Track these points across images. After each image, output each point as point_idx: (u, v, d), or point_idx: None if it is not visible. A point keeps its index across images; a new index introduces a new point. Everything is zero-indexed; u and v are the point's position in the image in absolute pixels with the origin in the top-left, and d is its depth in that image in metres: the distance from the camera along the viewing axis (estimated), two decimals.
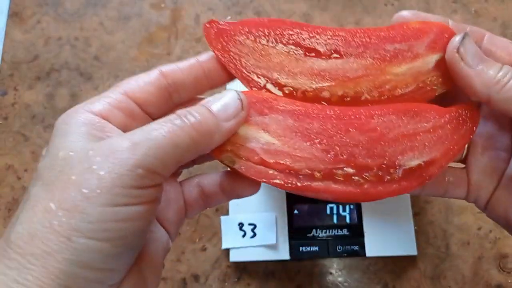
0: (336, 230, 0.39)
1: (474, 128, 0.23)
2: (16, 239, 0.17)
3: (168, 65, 0.23)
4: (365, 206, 0.40)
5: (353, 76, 0.23)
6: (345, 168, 0.21)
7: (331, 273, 0.41)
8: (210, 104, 0.21)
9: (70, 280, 0.17)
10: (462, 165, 0.26)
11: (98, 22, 0.49)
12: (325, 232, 0.39)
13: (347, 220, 0.39)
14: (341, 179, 0.21)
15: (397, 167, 0.22)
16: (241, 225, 0.39)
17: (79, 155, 0.18)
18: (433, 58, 0.23)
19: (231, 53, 0.23)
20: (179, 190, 0.24)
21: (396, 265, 0.41)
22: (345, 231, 0.39)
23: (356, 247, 0.39)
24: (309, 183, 0.21)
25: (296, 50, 0.23)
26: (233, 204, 0.40)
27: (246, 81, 0.23)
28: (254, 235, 0.39)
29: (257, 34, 0.23)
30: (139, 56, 0.48)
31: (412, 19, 0.23)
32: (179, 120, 0.19)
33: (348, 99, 0.23)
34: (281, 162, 0.21)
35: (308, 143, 0.21)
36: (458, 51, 0.21)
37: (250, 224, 0.39)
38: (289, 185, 0.21)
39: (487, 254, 0.41)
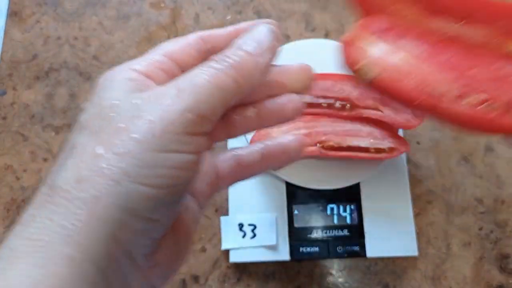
0: (336, 231, 0.39)
1: None
2: (63, 184, 0.17)
3: (206, 31, 0.23)
4: (365, 207, 0.40)
5: (472, 43, 0.23)
6: (477, 95, 0.21)
7: (331, 274, 0.41)
8: (245, 45, 0.20)
9: (117, 228, 0.16)
10: None
11: (97, 22, 0.49)
12: (326, 233, 0.39)
13: (348, 220, 0.39)
14: (473, 103, 0.22)
15: None
16: (241, 226, 0.39)
17: (126, 104, 0.18)
18: None
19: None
20: (212, 162, 0.23)
21: (397, 265, 0.41)
22: (345, 232, 0.39)
23: (356, 248, 0.39)
24: (443, 101, 0.22)
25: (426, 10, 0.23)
26: (233, 204, 0.40)
27: None
28: (254, 235, 0.39)
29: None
30: (138, 56, 0.47)
31: None
32: (219, 64, 0.19)
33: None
34: (415, 79, 0.22)
35: (439, 68, 0.22)
36: None
37: (250, 225, 0.39)
38: (425, 101, 0.22)
39: (488, 254, 0.41)
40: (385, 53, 0.22)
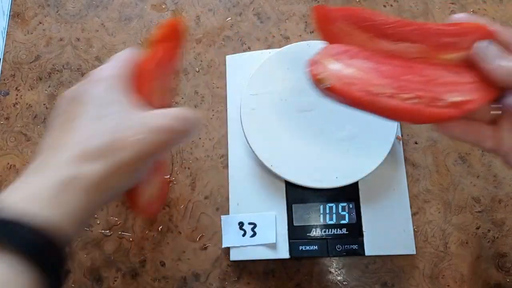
0: (335, 229, 0.39)
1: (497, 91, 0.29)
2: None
3: None
4: (364, 206, 0.40)
5: (410, 57, 0.31)
6: (405, 94, 0.29)
7: (330, 272, 0.41)
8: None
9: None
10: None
11: (99, 23, 0.49)
12: (325, 231, 0.39)
13: (346, 219, 0.40)
14: (402, 99, 0.29)
15: (443, 99, 0.29)
16: (241, 224, 0.40)
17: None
18: None
19: (334, 32, 0.32)
20: None
21: (395, 264, 0.41)
22: (344, 230, 0.39)
23: (355, 246, 0.39)
24: (378, 97, 0.29)
25: (372, 36, 0.32)
26: (233, 203, 0.41)
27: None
28: (254, 234, 0.39)
29: (351, 22, 0.32)
30: None
31: (465, 19, 0.30)
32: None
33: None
34: (360, 85, 0.29)
35: (380, 77, 0.30)
36: (479, 52, 0.28)
37: (250, 223, 0.40)
38: (364, 98, 0.29)
39: (485, 253, 0.41)
40: (339, 69, 0.30)
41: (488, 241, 0.42)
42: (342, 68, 0.30)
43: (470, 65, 0.30)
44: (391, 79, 0.30)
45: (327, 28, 0.32)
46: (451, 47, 0.30)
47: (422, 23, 0.31)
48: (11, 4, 0.50)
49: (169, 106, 0.30)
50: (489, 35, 0.29)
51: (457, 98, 0.29)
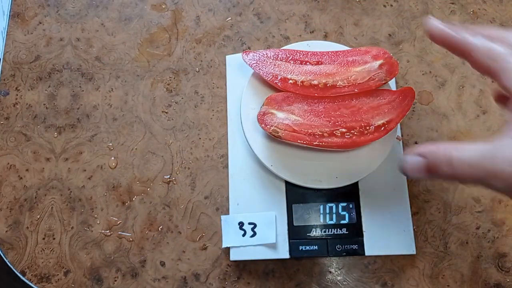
0: (335, 229, 0.39)
1: (411, 102, 0.38)
2: None
3: None
4: (364, 206, 0.40)
5: (330, 72, 0.40)
6: (340, 129, 0.38)
7: (330, 272, 0.41)
8: None
9: None
10: None
11: (99, 23, 0.49)
12: (324, 231, 0.39)
13: (346, 219, 0.40)
14: (339, 135, 0.37)
15: (371, 125, 0.38)
16: (241, 224, 0.40)
17: None
18: (376, 63, 0.40)
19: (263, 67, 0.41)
20: None
21: (395, 264, 0.41)
22: (344, 230, 0.39)
23: (355, 246, 0.39)
24: (321, 138, 0.37)
25: (295, 63, 0.41)
26: (233, 203, 0.41)
27: (272, 77, 0.40)
28: (254, 234, 0.39)
29: (275, 57, 0.41)
30: (140, 57, 0.48)
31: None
32: None
33: (329, 85, 0.39)
34: (304, 129, 0.37)
35: (317, 118, 0.38)
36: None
37: (250, 223, 0.40)
38: (311, 141, 0.37)
39: (485, 253, 0.41)
40: (283, 118, 0.38)
41: (488, 241, 0.42)
42: (285, 117, 0.38)
43: (383, 89, 0.39)
44: (326, 118, 0.38)
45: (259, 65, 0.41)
46: (357, 63, 0.40)
47: (331, 52, 0.41)
48: (11, 4, 0.50)
49: None
50: (384, 54, 0.40)
51: (380, 121, 0.38)
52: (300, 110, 0.38)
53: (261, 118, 0.38)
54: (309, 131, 0.37)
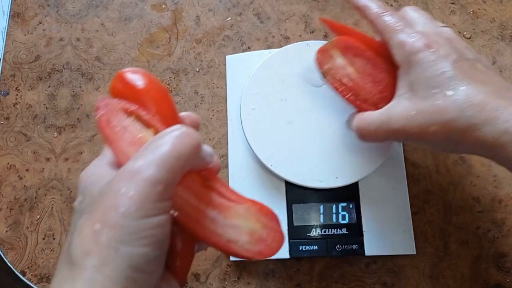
0: (335, 229, 0.39)
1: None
2: (76, 259, 0.21)
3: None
4: (364, 206, 0.40)
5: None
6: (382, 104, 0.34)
7: (330, 272, 0.41)
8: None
9: (125, 283, 0.20)
10: None
11: (99, 23, 0.49)
12: (324, 231, 0.39)
13: (346, 219, 0.40)
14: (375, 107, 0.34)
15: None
16: None
17: (108, 187, 0.22)
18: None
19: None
20: None
21: (395, 264, 0.41)
22: (344, 230, 0.39)
23: (355, 246, 0.39)
24: (362, 104, 0.35)
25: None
26: None
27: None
28: None
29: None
30: (140, 57, 0.48)
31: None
32: (177, 131, 0.23)
33: None
34: (352, 84, 0.35)
35: (371, 84, 0.35)
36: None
37: None
38: (352, 101, 0.35)
39: (485, 253, 0.41)
40: (341, 65, 0.35)
41: (488, 241, 0.42)
42: (345, 65, 0.35)
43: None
44: (384, 88, 0.35)
45: (337, 27, 0.37)
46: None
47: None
48: (11, 4, 0.50)
49: None
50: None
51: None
52: (361, 67, 0.35)
53: (321, 54, 0.36)
54: (355, 92, 0.35)
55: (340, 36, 0.36)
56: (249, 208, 0.26)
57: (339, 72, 0.35)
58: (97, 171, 0.25)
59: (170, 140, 0.23)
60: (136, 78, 0.27)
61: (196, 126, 0.29)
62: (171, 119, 0.26)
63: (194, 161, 0.24)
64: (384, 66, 0.35)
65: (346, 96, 0.35)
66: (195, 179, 0.25)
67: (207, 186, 0.26)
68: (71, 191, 0.44)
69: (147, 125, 0.26)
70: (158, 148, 0.22)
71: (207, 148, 0.26)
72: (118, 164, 0.25)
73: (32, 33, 0.49)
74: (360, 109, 0.35)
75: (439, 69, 0.29)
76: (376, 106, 0.34)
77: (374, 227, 0.40)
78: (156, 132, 0.25)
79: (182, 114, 0.28)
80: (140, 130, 0.26)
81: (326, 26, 0.38)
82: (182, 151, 0.23)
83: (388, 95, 0.34)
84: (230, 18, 0.49)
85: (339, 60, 0.36)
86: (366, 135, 0.34)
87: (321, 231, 0.39)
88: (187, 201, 0.24)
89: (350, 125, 0.35)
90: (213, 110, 0.46)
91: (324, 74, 0.36)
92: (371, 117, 0.33)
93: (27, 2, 0.50)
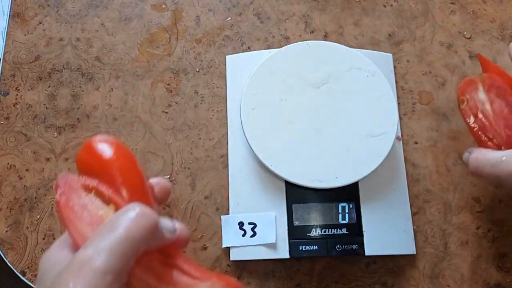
0: (335, 229, 0.39)
1: None
2: None
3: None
4: (364, 206, 0.40)
5: None
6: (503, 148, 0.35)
7: (330, 272, 0.41)
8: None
9: None
10: None
11: (99, 23, 0.49)
12: (324, 231, 0.39)
13: (346, 219, 0.40)
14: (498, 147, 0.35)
15: None
16: (241, 224, 0.40)
17: (58, 279, 0.21)
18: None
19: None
20: None
21: (395, 264, 0.41)
22: (344, 230, 0.39)
23: (355, 246, 0.39)
24: (487, 141, 0.35)
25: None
26: (233, 203, 0.41)
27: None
28: (254, 234, 0.39)
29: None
30: (140, 57, 0.48)
31: None
32: (132, 212, 0.22)
33: None
34: (482, 123, 0.36)
35: (503, 125, 0.35)
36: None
37: (250, 223, 0.40)
38: (477, 136, 0.36)
39: (485, 253, 0.41)
40: (481, 100, 0.36)
41: (488, 241, 0.42)
42: (484, 100, 0.36)
43: None
44: (508, 131, 0.35)
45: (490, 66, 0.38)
46: None
47: None
48: (11, 4, 0.50)
49: None
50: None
51: None
52: (499, 107, 0.36)
53: (465, 83, 0.37)
54: (485, 132, 0.36)
55: (490, 74, 0.37)
56: (214, 285, 0.24)
57: (476, 105, 0.36)
58: (55, 255, 0.24)
59: (124, 223, 0.21)
60: (103, 148, 0.26)
61: (166, 193, 0.27)
62: (138, 190, 0.25)
63: (150, 241, 0.23)
64: None
65: (474, 129, 0.36)
66: (154, 258, 0.24)
67: (168, 264, 0.24)
68: None
69: (107, 201, 0.25)
70: (110, 232, 0.21)
71: (167, 224, 0.24)
72: (75, 247, 0.23)
73: (32, 33, 0.49)
74: (481, 144, 0.36)
75: None
76: (500, 147, 0.35)
77: (374, 227, 0.40)
78: (117, 208, 0.24)
79: (153, 180, 0.27)
80: (100, 207, 0.24)
81: (480, 62, 0.39)
82: (137, 234, 0.21)
83: None
84: (230, 18, 0.49)
85: (481, 95, 0.36)
86: (480, 169, 0.34)
87: (321, 231, 0.39)
88: (146, 282, 0.23)
89: (467, 157, 0.36)
90: (213, 110, 0.46)
91: (461, 102, 0.37)
92: (492, 153, 0.34)
93: (27, 2, 0.50)
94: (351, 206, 0.40)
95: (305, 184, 0.38)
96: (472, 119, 0.36)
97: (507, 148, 0.35)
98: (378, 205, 0.40)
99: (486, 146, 0.36)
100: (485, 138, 0.36)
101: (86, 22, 0.49)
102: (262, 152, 0.39)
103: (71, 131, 0.45)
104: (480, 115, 0.36)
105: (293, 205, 0.40)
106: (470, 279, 0.41)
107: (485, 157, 0.34)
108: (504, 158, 0.33)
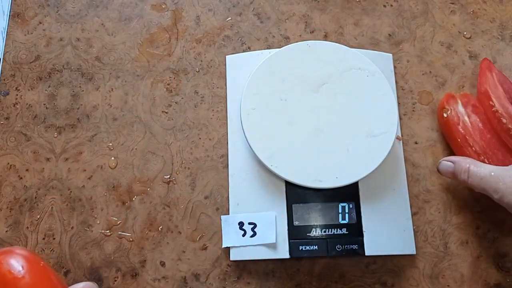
0: (335, 229, 0.39)
1: None
2: None
3: None
4: (364, 206, 0.40)
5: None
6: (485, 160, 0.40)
7: (330, 272, 0.41)
8: None
9: None
10: None
11: (99, 23, 0.49)
12: (324, 231, 0.39)
13: (346, 219, 0.40)
14: (477, 156, 0.41)
15: None
16: (241, 224, 0.40)
17: None
18: None
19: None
20: None
21: (395, 264, 0.41)
22: (344, 230, 0.39)
23: (355, 246, 0.39)
24: (466, 149, 0.41)
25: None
26: (233, 203, 0.41)
27: None
28: (254, 234, 0.39)
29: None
30: (140, 57, 0.48)
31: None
32: None
33: None
34: (466, 131, 0.42)
35: (480, 140, 0.41)
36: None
37: (250, 223, 0.40)
38: (461, 142, 0.41)
39: (485, 253, 0.41)
40: (461, 112, 0.42)
41: (488, 241, 0.42)
42: (463, 114, 0.42)
43: None
44: (485, 145, 0.41)
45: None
46: None
47: None
48: (11, 4, 0.50)
49: None
50: None
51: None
52: (475, 121, 0.42)
53: (448, 96, 0.43)
54: (466, 140, 0.41)
55: (466, 93, 0.44)
56: None
57: (458, 114, 0.42)
58: None
59: None
60: (11, 264, 0.25)
61: None
62: None
63: None
64: (493, 133, 0.41)
65: (458, 139, 0.41)
66: None
67: None
68: (71, 191, 0.44)
69: None
70: None
71: None
72: None
73: (32, 33, 0.49)
74: (461, 151, 0.41)
75: None
76: (479, 155, 0.40)
77: (374, 227, 0.40)
78: None
79: (77, 286, 0.25)
80: None
81: (480, 69, 0.44)
82: None
83: (491, 154, 0.40)
84: (230, 18, 0.49)
85: (460, 108, 0.43)
86: (470, 181, 0.37)
87: (321, 231, 0.39)
88: None
89: (445, 166, 0.39)
90: (213, 110, 0.46)
91: (445, 111, 0.43)
92: (482, 167, 0.37)
93: (27, 2, 0.50)
94: (351, 206, 0.40)
95: (305, 184, 0.39)
96: (454, 127, 0.41)
97: (486, 157, 0.40)
98: (378, 205, 0.40)
99: (466, 153, 0.40)
100: (465, 144, 0.41)
101: (86, 22, 0.49)
102: (262, 152, 0.39)
103: (71, 131, 0.45)
104: (461, 124, 0.41)
105: (293, 205, 0.40)
106: (470, 279, 0.41)
107: (475, 169, 0.37)
108: (493, 173, 0.35)
